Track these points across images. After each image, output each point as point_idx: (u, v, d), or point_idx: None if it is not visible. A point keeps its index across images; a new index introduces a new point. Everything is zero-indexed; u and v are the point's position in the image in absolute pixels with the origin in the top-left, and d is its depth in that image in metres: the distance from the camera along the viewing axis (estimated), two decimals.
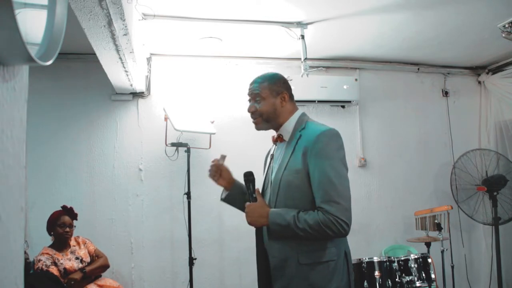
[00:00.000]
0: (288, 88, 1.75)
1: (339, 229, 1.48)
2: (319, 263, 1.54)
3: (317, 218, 1.49)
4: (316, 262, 1.54)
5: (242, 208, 1.79)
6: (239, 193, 1.87)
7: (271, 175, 1.71)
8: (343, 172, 1.56)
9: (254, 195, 1.66)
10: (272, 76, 1.74)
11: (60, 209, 3.06)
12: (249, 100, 1.75)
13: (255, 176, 1.69)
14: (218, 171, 1.86)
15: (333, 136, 1.58)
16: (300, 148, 1.60)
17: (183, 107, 3.64)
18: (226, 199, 1.91)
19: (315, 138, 1.56)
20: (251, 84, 1.76)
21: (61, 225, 2.98)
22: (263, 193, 1.76)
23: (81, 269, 2.93)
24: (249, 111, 1.74)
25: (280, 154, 1.70)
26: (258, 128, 1.76)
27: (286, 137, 1.70)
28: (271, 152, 1.81)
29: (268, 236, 1.65)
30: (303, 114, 1.74)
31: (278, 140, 1.75)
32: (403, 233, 4.03)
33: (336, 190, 1.50)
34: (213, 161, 1.89)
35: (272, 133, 1.79)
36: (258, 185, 1.75)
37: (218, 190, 3.81)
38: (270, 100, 1.69)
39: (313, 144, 1.55)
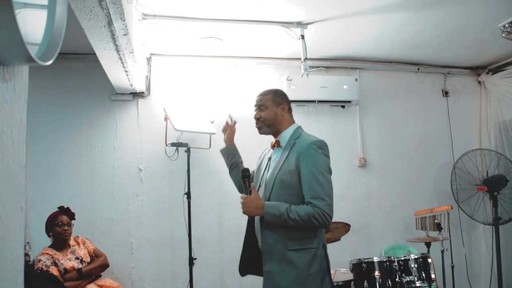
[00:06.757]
0: (288, 102, 2.13)
1: (324, 220, 1.83)
2: (302, 249, 1.88)
3: (307, 211, 1.83)
4: (300, 248, 1.88)
5: (228, 162, 2.33)
6: (232, 151, 2.34)
7: (266, 174, 2.05)
8: (328, 175, 1.92)
9: (249, 189, 1.97)
10: (275, 90, 2.16)
11: (57, 210, 3.06)
12: (255, 109, 2.11)
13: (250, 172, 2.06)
14: (228, 128, 2.36)
15: (322, 146, 1.94)
16: (294, 153, 1.94)
17: (183, 107, 3.64)
18: (223, 151, 2.36)
19: (307, 146, 1.92)
20: (258, 96, 2.13)
21: (59, 224, 2.98)
22: (257, 189, 2.08)
23: (78, 270, 2.93)
24: (255, 117, 2.11)
25: (276, 157, 2.04)
26: (261, 132, 2.12)
27: (283, 144, 2.05)
28: (268, 155, 2.15)
29: (261, 225, 1.95)
30: (299, 127, 2.10)
31: (275, 145, 2.08)
32: (403, 233, 4.02)
33: (323, 189, 1.86)
34: (227, 124, 2.36)
35: (270, 139, 2.13)
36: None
37: (218, 190, 3.83)
38: (273, 109, 2.06)
39: (305, 150, 1.91)
